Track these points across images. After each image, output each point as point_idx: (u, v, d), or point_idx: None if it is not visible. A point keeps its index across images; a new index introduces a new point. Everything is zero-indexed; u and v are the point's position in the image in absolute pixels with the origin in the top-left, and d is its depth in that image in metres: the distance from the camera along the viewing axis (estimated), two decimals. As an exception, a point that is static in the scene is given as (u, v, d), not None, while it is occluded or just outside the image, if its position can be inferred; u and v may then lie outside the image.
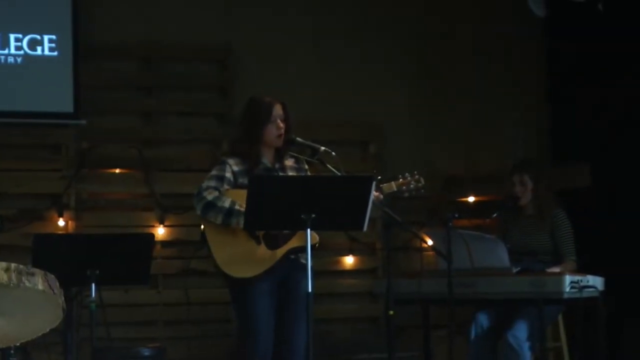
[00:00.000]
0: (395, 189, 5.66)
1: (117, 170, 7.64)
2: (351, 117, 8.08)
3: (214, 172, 5.41)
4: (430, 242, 6.06)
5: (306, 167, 5.56)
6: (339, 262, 7.96)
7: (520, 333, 6.15)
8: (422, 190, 5.75)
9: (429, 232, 6.29)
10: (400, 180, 5.70)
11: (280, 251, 5.31)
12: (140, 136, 7.74)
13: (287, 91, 6.60)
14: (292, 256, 5.34)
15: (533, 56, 8.56)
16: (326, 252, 7.63)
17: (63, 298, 3.23)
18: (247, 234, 5.27)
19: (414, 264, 6.88)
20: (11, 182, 7.38)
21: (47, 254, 5.36)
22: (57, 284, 3.20)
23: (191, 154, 7.75)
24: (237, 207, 5.21)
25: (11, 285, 3.05)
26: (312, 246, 5.02)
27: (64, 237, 6.60)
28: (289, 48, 8.08)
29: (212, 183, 5.34)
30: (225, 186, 5.33)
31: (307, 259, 5.01)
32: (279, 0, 8.11)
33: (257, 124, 5.40)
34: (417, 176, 5.73)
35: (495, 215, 6.60)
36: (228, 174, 5.37)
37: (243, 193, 5.09)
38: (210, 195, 5.28)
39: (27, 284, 3.08)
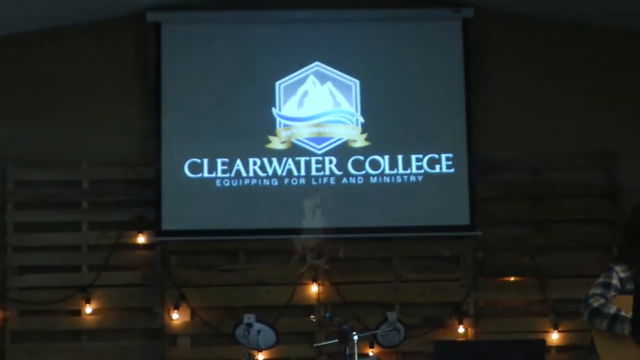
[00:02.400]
0: None
1: (512, 278, 8.01)
2: None
3: (600, 279, 5.58)
4: None
5: None
6: None
7: None
8: None
9: None
10: None
11: (671, 355, 5.38)
12: (532, 244, 8.05)
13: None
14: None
15: None
16: None
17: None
18: (635, 339, 5.39)
19: None
20: (416, 292, 7.96)
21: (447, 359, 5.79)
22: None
23: (582, 260, 7.95)
24: (622, 313, 5.36)
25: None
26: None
27: (462, 344, 7.03)
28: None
29: (598, 290, 5.52)
30: (612, 293, 5.49)
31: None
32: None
33: (642, 230, 5.55)
34: None
35: None
36: (614, 281, 5.52)
37: (630, 299, 5.26)
38: (596, 303, 5.46)
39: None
